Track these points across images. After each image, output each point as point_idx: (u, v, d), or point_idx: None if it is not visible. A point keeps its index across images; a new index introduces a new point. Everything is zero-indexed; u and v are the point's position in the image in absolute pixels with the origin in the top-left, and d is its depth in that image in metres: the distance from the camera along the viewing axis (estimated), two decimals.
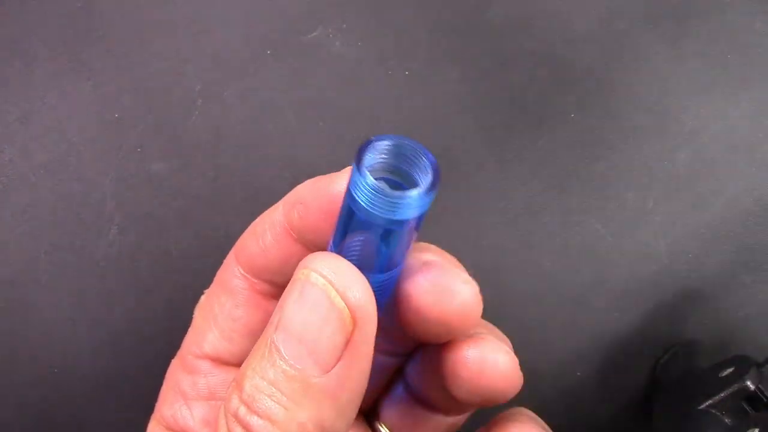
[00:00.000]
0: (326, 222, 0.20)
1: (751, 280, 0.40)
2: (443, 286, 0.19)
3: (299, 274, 0.18)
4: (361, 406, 0.25)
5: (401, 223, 0.17)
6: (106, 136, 0.35)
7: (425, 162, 0.17)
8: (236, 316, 0.24)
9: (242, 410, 0.17)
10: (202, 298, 0.25)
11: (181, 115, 0.36)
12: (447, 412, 0.24)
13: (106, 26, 0.36)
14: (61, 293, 0.35)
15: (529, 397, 0.41)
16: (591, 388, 0.40)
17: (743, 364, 0.33)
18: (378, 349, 0.23)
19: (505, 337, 0.22)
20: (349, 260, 0.18)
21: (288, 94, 0.37)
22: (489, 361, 0.20)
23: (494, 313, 0.41)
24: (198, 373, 0.24)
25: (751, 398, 0.32)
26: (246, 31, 0.37)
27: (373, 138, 0.17)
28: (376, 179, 0.16)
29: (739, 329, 0.41)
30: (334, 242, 0.19)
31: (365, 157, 0.17)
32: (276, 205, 0.22)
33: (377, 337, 0.21)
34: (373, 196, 0.16)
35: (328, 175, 0.21)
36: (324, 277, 0.17)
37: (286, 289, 0.18)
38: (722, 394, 0.32)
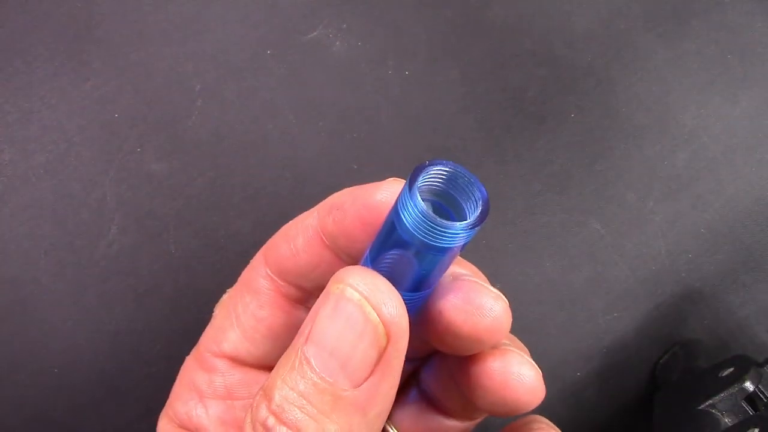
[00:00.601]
0: (362, 229, 0.20)
1: (751, 280, 0.40)
2: (475, 303, 0.19)
3: (333, 288, 0.18)
4: None
5: (443, 250, 0.17)
6: (106, 136, 0.35)
7: (477, 194, 0.17)
8: (260, 316, 0.23)
9: (271, 420, 0.17)
10: (225, 296, 0.25)
11: (181, 115, 0.36)
12: (460, 417, 0.24)
13: (106, 26, 0.36)
14: (61, 293, 0.35)
15: None
16: (591, 388, 0.40)
17: (743, 364, 0.33)
18: None
19: (524, 346, 0.22)
20: (383, 274, 0.18)
21: (288, 94, 0.37)
22: (514, 374, 0.20)
23: None
24: (215, 372, 0.24)
25: (751, 398, 0.32)
26: (246, 31, 0.37)
27: (428, 162, 0.17)
28: (424, 200, 0.16)
29: (739, 329, 0.41)
30: (370, 254, 0.19)
31: (419, 179, 0.17)
32: (311, 210, 0.22)
33: None
34: (420, 221, 0.16)
35: (369, 184, 0.21)
36: (359, 292, 0.18)
37: (318, 302, 0.18)
38: (722, 394, 0.32)
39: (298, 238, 0.23)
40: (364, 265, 0.19)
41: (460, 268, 0.21)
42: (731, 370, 0.33)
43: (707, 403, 0.32)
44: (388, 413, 0.19)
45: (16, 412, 0.35)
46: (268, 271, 0.23)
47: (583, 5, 0.39)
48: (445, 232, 0.16)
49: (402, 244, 0.17)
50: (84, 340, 0.35)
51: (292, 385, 0.17)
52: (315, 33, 0.37)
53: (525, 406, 0.21)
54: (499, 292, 0.20)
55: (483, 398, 0.21)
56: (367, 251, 0.19)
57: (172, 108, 0.36)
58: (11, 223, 0.35)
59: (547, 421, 0.23)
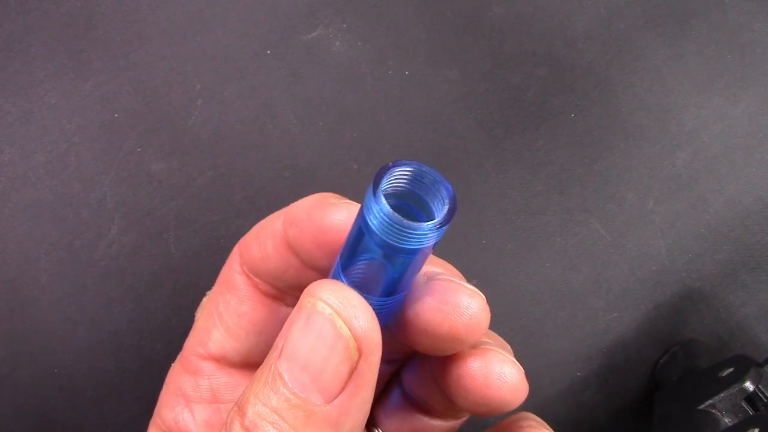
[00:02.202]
0: (317, 248, 0.20)
1: (751, 280, 0.40)
2: (452, 303, 0.19)
3: (305, 302, 0.18)
4: None
5: (413, 251, 0.17)
6: (106, 136, 0.35)
7: (443, 192, 0.17)
8: (242, 312, 0.23)
9: None
10: (204, 299, 0.25)
11: (181, 115, 0.36)
12: (444, 417, 0.23)
13: (106, 26, 0.36)
14: (61, 293, 0.35)
15: (529, 397, 0.41)
16: (591, 388, 0.40)
17: (743, 364, 0.33)
18: None
19: (505, 343, 0.22)
20: (355, 281, 0.18)
21: (288, 94, 0.37)
22: (495, 374, 0.20)
23: (494, 313, 0.41)
24: (201, 375, 0.24)
25: (751, 398, 0.32)
26: (246, 31, 0.37)
27: (392, 163, 0.17)
28: (391, 204, 0.16)
29: (739, 329, 0.41)
30: (341, 261, 0.18)
31: (382, 182, 0.17)
32: (279, 213, 0.22)
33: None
34: (387, 224, 0.16)
35: (325, 203, 0.21)
36: (330, 306, 0.17)
37: (291, 316, 0.18)
38: (722, 394, 0.32)
39: (267, 242, 0.22)
40: (335, 273, 0.19)
41: (434, 267, 0.21)
42: (731, 370, 0.33)
43: (707, 403, 0.32)
44: (363, 428, 0.19)
45: (16, 412, 0.35)
46: (244, 269, 0.24)
47: (583, 5, 0.39)
48: (413, 234, 0.16)
49: (371, 248, 0.17)
50: (84, 340, 0.35)
51: (265, 401, 0.17)
52: (315, 33, 0.37)
53: (508, 406, 0.20)
54: (475, 289, 0.20)
55: (465, 399, 0.21)
56: (338, 258, 0.19)
57: (172, 108, 0.36)
58: (11, 223, 0.35)
59: (536, 417, 0.23)
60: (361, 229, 0.17)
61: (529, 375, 0.41)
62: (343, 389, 0.17)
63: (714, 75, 0.40)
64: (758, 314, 0.40)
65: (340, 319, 0.17)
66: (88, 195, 0.35)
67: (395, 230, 0.16)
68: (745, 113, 0.40)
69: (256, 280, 0.23)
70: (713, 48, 0.40)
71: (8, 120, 0.35)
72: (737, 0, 0.40)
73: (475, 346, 0.21)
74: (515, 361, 0.21)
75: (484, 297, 0.20)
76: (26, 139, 0.35)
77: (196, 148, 0.36)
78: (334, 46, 0.37)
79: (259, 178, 0.36)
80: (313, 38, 0.37)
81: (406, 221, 0.16)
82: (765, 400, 0.32)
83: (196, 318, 0.25)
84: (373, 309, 0.18)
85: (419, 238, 0.16)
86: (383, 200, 0.16)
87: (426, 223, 0.16)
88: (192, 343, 0.25)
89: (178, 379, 0.25)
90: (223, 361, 0.24)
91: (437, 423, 0.24)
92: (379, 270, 0.17)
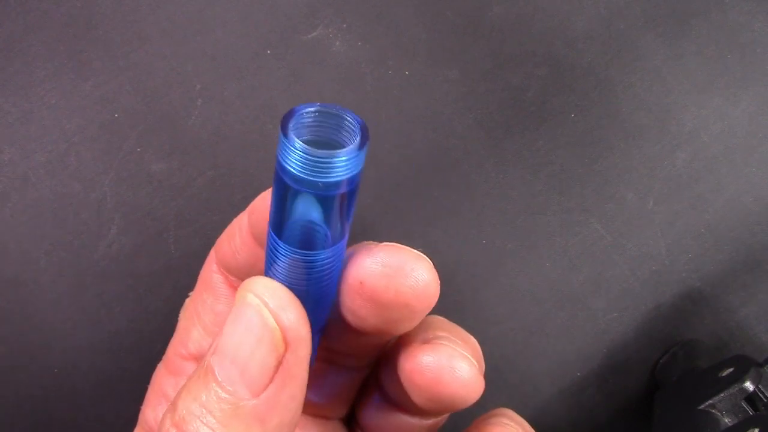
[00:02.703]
0: (262, 236, 0.20)
1: (751, 280, 0.40)
2: (394, 265, 0.18)
3: (238, 295, 0.18)
4: (340, 413, 0.25)
5: (336, 185, 0.16)
6: (106, 136, 0.35)
7: (352, 124, 0.17)
8: (218, 310, 0.24)
9: None
10: (187, 301, 0.26)
11: (181, 115, 0.36)
12: (422, 414, 0.23)
13: (106, 26, 0.36)
14: (61, 293, 0.35)
15: (529, 397, 0.41)
16: (591, 388, 0.40)
17: (743, 364, 0.33)
18: (342, 364, 0.23)
19: (469, 337, 0.21)
20: (291, 241, 0.17)
21: (288, 94, 0.37)
22: (446, 369, 0.20)
23: (494, 313, 0.41)
24: (181, 375, 0.25)
25: (751, 398, 0.32)
26: (246, 31, 0.37)
27: (296, 107, 0.16)
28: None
29: (739, 329, 0.41)
30: (271, 224, 0.18)
31: (290, 124, 0.16)
32: (246, 209, 0.23)
33: (340, 347, 0.21)
34: (303, 160, 0.16)
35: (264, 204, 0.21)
36: (259, 297, 0.17)
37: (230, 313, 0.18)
38: (722, 394, 0.32)
39: (236, 237, 0.23)
40: (270, 243, 0.18)
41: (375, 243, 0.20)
42: (731, 370, 0.33)
43: (707, 403, 0.32)
44: (294, 425, 0.18)
45: (16, 412, 0.35)
46: (220, 268, 0.24)
47: (583, 5, 0.39)
48: (330, 162, 0.16)
49: (295, 196, 0.17)
50: (84, 340, 0.35)
51: (195, 396, 0.17)
52: (315, 33, 0.37)
53: (461, 402, 0.20)
54: (420, 253, 0.19)
55: (419, 395, 0.20)
56: (269, 227, 0.18)
57: (172, 108, 0.36)
58: (11, 223, 0.35)
59: (512, 414, 0.22)
60: (281, 178, 0.17)
61: (529, 375, 0.41)
62: (270, 383, 0.17)
63: (714, 75, 0.40)
64: (758, 314, 0.40)
65: (266, 309, 0.17)
66: (88, 195, 0.35)
67: (313, 163, 0.16)
68: (745, 113, 0.40)
69: (232, 278, 0.24)
70: (713, 48, 0.40)
71: (8, 120, 0.35)
72: (737, 0, 0.40)
73: (427, 341, 0.20)
74: (469, 356, 0.20)
75: (430, 261, 0.19)
76: (26, 139, 0.35)
77: (196, 148, 0.36)
78: (334, 46, 0.37)
79: (259, 178, 0.36)
80: (313, 38, 0.37)
81: (321, 151, 0.16)
82: (765, 400, 0.32)
83: (179, 320, 0.25)
84: (317, 268, 0.18)
85: (338, 168, 0.16)
86: (295, 138, 0.16)
87: (341, 150, 0.16)
88: (174, 343, 0.25)
89: (161, 380, 0.25)
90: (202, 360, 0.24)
91: (416, 421, 0.23)
92: (310, 220, 0.17)
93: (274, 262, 0.18)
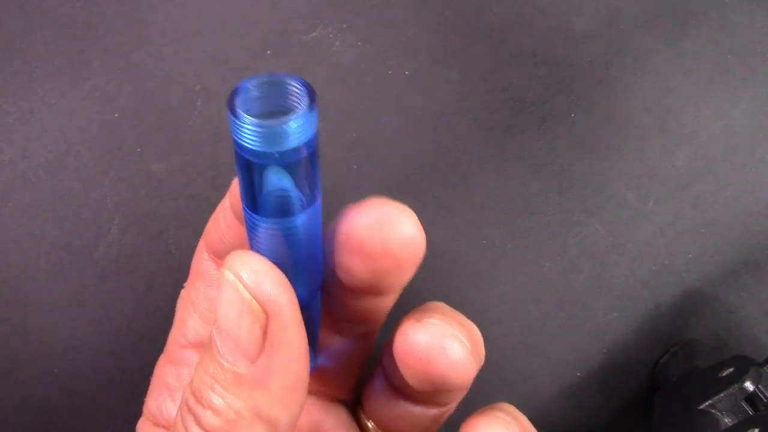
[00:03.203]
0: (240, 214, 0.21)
1: (751, 280, 0.40)
2: (380, 218, 0.19)
3: (220, 273, 0.19)
4: (346, 397, 0.25)
5: (294, 151, 0.16)
6: (106, 136, 0.35)
7: (298, 88, 0.17)
8: (211, 296, 0.25)
9: (191, 400, 0.19)
10: (182, 292, 0.26)
11: (181, 115, 0.36)
12: (425, 403, 0.23)
13: (106, 26, 0.36)
14: (61, 293, 0.35)
15: (530, 397, 0.41)
16: (591, 388, 0.40)
17: (743, 364, 0.33)
18: (340, 333, 0.23)
19: (468, 322, 0.22)
20: (265, 212, 0.18)
21: None
22: (436, 348, 0.20)
23: (494, 313, 0.41)
24: (182, 364, 0.25)
25: (751, 398, 0.32)
26: (246, 31, 0.37)
27: (241, 82, 0.17)
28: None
29: (739, 329, 0.41)
30: (243, 201, 0.18)
31: (237, 101, 0.16)
32: (227, 193, 0.23)
33: (335, 312, 0.21)
34: (255, 133, 0.16)
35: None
36: (233, 272, 0.18)
37: None
38: (722, 394, 0.32)
39: (221, 223, 0.24)
40: (247, 219, 0.19)
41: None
42: (731, 370, 0.33)
43: (707, 403, 0.32)
44: (302, 389, 0.19)
45: (16, 412, 0.35)
46: (210, 255, 0.25)
47: (583, 5, 0.39)
48: (283, 130, 0.16)
49: (259, 169, 0.17)
50: (84, 340, 0.35)
51: (205, 368, 0.19)
52: (315, 33, 0.37)
53: (453, 383, 0.20)
54: (405, 206, 0.19)
55: (411, 375, 0.20)
56: (243, 206, 0.19)
57: (172, 108, 0.36)
58: (11, 223, 0.35)
59: (510, 408, 0.22)
60: (242, 157, 0.17)
61: (529, 375, 0.41)
62: (262, 350, 0.18)
63: (714, 75, 0.40)
64: (758, 314, 0.40)
65: (240, 284, 0.18)
66: (88, 195, 0.35)
67: (266, 134, 0.16)
68: (745, 113, 0.40)
69: (221, 263, 0.24)
70: (713, 48, 0.40)
71: (8, 120, 0.35)
72: (737, 0, 0.40)
73: (421, 320, 0.20)
74: (461, 337, 0.20)
75: (414, 214, 0.19)
76: (26, 139, 0.35)
77: (196, 148, 0.36)
78: (334, 46, 0.37)
79: None
80: (313, 38, 0.37)
81: (270, 121, 0.16)
82: (765, 400, 0.32)
83: (176, 310, 0.26)
84: (296, 234, 0.18)
85: (292, 134, 0.16)
86: (244, 114, 0.16)
87: (290, 116, 0.16)
88: (173, 334, 0.26)
89: (162, 371, 0.26)
90: (201, 347, 0.25)
91: (419, 410, 0.23)
92: (280, 191, 0.17)
93: (254, 236, 0.19)
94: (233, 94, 0.16)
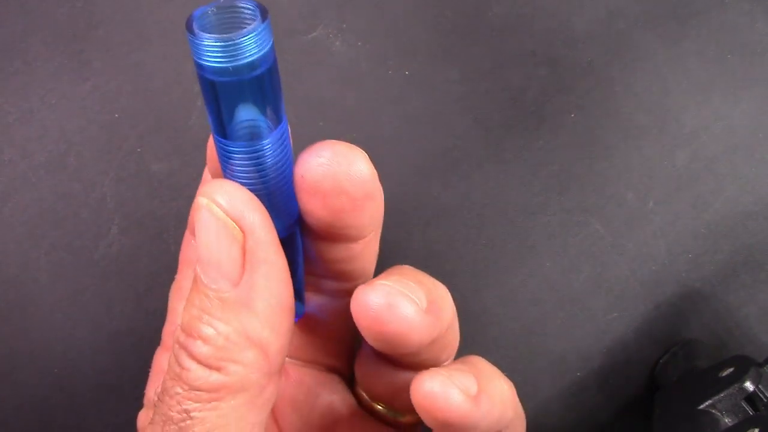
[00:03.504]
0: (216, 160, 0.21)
1: (751, 280, 0.40)
2: (331, 158, 0.20)
3: (194, 202, 0.19)
4: (341, 367, 0.25)
5: (251, 65, 0.17)
6: (106, 136, 0.35)
7: (250, 8, 0.17)
8: None
9: (182, 336, 0.19)
10: (173, 284, 0.26)
11: (181, 115, 0.36)
12: (408, 367, 0.23)
13: (106, 26, 0.36)
14: (61, 293, 0.35)
15: (529, 397, 0.41)
16: (591, 388, 0.40)
17: (743, 364, 0.33)
18: (323, 290, 0.23)
19: (430, 281, 0.22)
20: (233, 138, 0.18)
21: (288, 93, 0.37)
22: (383, 307, 0.20)
23: (494, 313, 0.41)
24: None
25: (751, 398, 0.32)
26: None
27: (195, 10, 0.17)
28: None
29: (739, 329, 0.41)
30: (213, 129, 0.19)
31: (194, 24, 0.17)
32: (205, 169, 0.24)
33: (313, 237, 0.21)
34: (212, 48, 0.17)
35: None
36: (206, 196, 0.19)
37: None
38: (722, 394, 0.32)
39: None
40: (217, 146, 0.19)
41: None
42: (731, 370, 0.33)
43: (707, 403, 0.32)
44: (288, 312, 0.20)
45: (16, 412, 0.35)
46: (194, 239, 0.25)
47: (583, 5, 0.39)
48: (238, 42, 0.16)
49: (220, 90, 0.17)
50: (84, 340, 0.35)
51: (192, 303, 0.19)
52: (315, 33, 0.37)
53: (409, 341, 0.20)
54: (355, 146, 0.20)
55: (367, 336, 0.21)
56: (212, 134, 0.19)
57: (172, 108, 0.36)
58: (11, 223, 0.35)
59: (475, 360, 0.23)
60: (202, 78, 0.17)
61: (529, 375, 0.41)
62: (243, 270, 0.19)
63: (714, 75, 0.40)
64: (758, 314, 0.40)
65: (213, 205, 0.18)
66: (88, 195, 0.35)
67: (222, 49, 0.17)
68: (745, 113, 0.40)
69: None
70: (713, 48, 0.40)
71: (8, 120, 0.35)
72: (737, 0, 0.40)
73: (372, 282, 0.21)
74: (411, 295, 0.20)
75: (365, 153, 0.20)
76: (26, 139, 0.35)
77: (197, 148, 0.36)
78: (334, 46, 0.37)
79: None
80: (313, 38, 0.37)
81: (225, 35, 0.16)
82: (765, 400, 0.32)
83: (169, 301, 0.26)
84: (265, 159, 0.19)
85: (247, 46, 0.17)
86: (200, 32, 0.17)
87: (245, 30, 0.17)
88: (167, 324, 0.26)
89: (159, 359, 0.26)
90: None
91: (407, 375, 0.23)
92: (245, 114, 0.18)
93: (226, 164, 0.19)
94: (190, 18, 0.17)
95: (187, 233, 0.26)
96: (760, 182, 0.40)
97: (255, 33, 0.17)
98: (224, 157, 0.19)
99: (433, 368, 0.21)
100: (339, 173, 0.19)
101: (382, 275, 0.21)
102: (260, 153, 0.19)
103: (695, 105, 0.40)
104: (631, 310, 0.39)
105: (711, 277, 0.40)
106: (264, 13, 0.17)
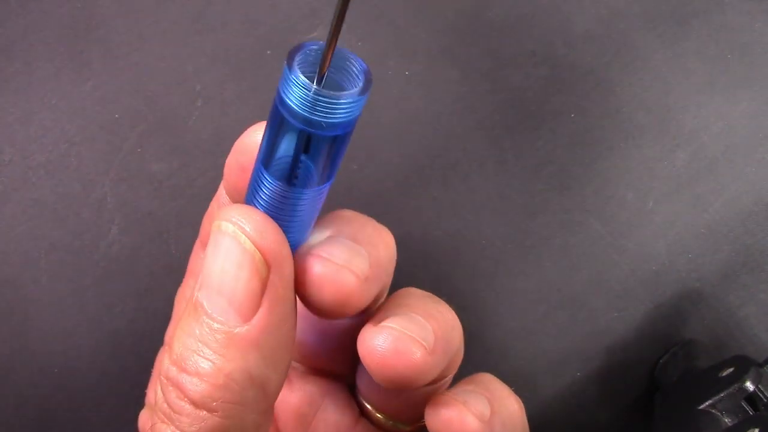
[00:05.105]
0: (238, 174, 0.21)
1: (751, 280, 0.40)
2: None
3: (212, 228, 0.18)
4: (346, 375, 0.25)
5: (333, 126, 0.16)
6: (106, 136, 0.35)
7: (357, 68, 0.17)
8: None
9: (173, 371, 0.17)
10: (179, 289, 0.26)
11: (181, 115, 0.36)
12: None
13: (106, 26, 0.36)
14: (61, 293, 0.35)
15: (530, 397, 0.41)
16: (591, 388, 0.40)
17: (743, 364, 0.33)
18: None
19: (434, 313, 0.21)
20: (277, 176, 0.18)
21: None
22: (390, 352, 0.20)
23: (494, 313, 0.41)
24: None
25: (751, 398, 0.32)
26: (246, 31, 0.37)
27: (304, 42, 0.17)
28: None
29: (739, 329, 0.41)
30: (261, 158, 0.18)
31: (296, 58, 0.16)
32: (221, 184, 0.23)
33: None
34: (305, 96, 0.16)
35: (245, 132, 0.21)
36: (233, 224, 0.18)
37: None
38: (722, 394, 0.32)
39: (214, 211, 0.23)
40: (255, 174, 0.18)
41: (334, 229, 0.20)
42: (731, 370, 0.33)
43: (707, 403, 0.32)
44: (290, 348, 0.19)
45: (16, 412, 0.35)
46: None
47: (583, 5, 0.39)
48: (333, 103, 0.16)
49: (290, 131, 0.16)
50: (84, 340, 0.35)
51: (189, 332, 0.17)
52: (315, 33, 0.37)
53: (416, 382, 0.20)
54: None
55: (375, 377, 0.20)
56: (257, 161, 0.18)
57: (172, 108, 0.36)
58: (11, 223, 0.35)
59: (487, 379, 0.22)
60: (279, 112, 0.16)
61: (529, 375, 0.41)
62: (258, 307, 0.17)
63: (714, 75, 0.40)
64: (758, 314, 0.40)
65: (242, 234, 0.17)
66: (88, 195, 0.35)
67: (314, 101, 0.16)
68: (745, 113, 0.40)
69: None
70: (713, 48, 0.40)
71: (8, 120, 0.35)
72: (737, 0, 0.40)
73: (378, 323, 0.20)
74: (419, 336, 0.20)
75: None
76: (26, 139, 0.35)
77: (197, 148, 0.36)
78: None
79: None
80: (313, 38, 0.37)
81: (326, 91, 0.16)
82: (765, 400, 0.32)
83: (174, 306, 0.26)
84: (299, 206, 0.18)
85: (340, 109, 0.16)
86: (300, 74, 0.16)
87: (344, 93, 0.16)
88: (170, 328, 0.26)
89: (160, 362, 0.26)
90: None
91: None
92: (301, 160, 0.17)
93: (257, 192, 0.18)
94: (294, 50, 0.16)
95: (198, 244, 0.25)
96: (760, 182, 0.40)
97: (354, 99, 0.16)
98: (257, 186, 0.18)
99: (447, 393, 0.21)
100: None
101: (390, 308, 0.21)
102: (297, 199, 0.18)
103: (695, 105, 0.40)
104: (631, 310, 0.39)
105: (711, 277, 0.40)
106: (368, 80, 0.16)
